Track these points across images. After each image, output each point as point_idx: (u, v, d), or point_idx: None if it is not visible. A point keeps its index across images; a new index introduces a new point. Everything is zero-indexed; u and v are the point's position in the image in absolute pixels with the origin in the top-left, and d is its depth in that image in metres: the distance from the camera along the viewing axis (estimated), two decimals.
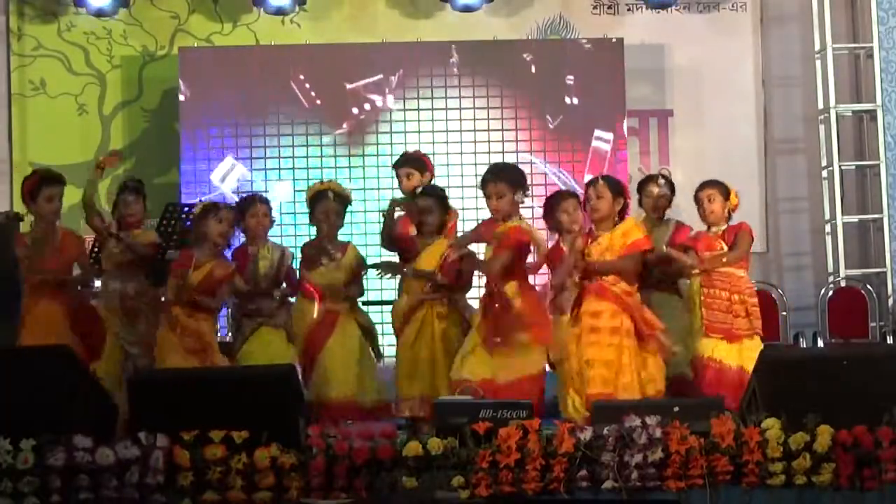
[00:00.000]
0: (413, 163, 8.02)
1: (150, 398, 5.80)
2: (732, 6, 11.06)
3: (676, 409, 5.72)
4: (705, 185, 7.76)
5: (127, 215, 7.77)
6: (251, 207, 7.78)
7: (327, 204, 7.48)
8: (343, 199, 7.57)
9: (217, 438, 5.56)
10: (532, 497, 5.49)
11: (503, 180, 7.12)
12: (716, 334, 7.50)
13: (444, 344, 7.32)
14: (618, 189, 7.06)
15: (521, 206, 7.18)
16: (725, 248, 7.59)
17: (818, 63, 10.68)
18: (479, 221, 7.58)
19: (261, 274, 7.61)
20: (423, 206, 7.48)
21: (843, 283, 10.46)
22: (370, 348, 7.57)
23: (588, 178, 7.69)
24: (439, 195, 7.58)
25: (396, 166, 8.08)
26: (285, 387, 5.84)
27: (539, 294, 7.36)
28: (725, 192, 7.68)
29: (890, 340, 10.03)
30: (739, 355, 7.39)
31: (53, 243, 7.37)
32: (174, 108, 10.56)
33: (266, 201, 7.85)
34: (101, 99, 10.89)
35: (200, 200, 8.93)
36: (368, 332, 7.60)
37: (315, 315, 7.42)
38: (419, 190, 7.59)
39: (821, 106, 10.65)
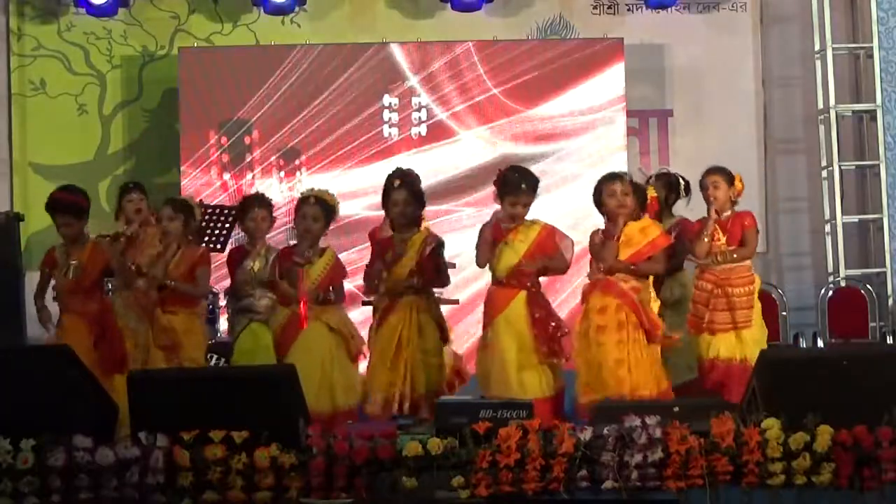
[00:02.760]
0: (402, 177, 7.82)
1: (150, 398, 5.79)
2: (732, 6, 11.07)
3: (676, 409, 5.72)
4: (710, 171, 7.72)
5: (133, 215, 7.66)
6: (249, 211, 7.85)
7: (305, 208, 7.33)
8: (323, 205, 7.36)
9: (217, 438, 5.56)
10: (532, 497, 5.48)
11: (531, 185, 7.24)
12: (691, 329, 7.54)
13: (421, 338, 7.30)
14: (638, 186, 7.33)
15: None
16: (723, 239, 7.58)
17: (818, 63, 10.68)
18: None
19: (254, 273, 7.69)
20: (396, 198, 7.35)
21: (843, 283, 10.47)
22: (345, 351, 7.32)
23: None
24: (414, 188, 7.42)
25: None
26: (285, 387, 5.84)
27: None
28: (729, 179, 7.64)
29: (890, 340, 10.04)
30: (713, 348, 7.42)
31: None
32: (174, 108, 10.58)
33: (265, 204, 7.93)
34: (101, 99, 10.90)
35: (201, 201, 8.96)
36: (340, 334, 7.34)
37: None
38: (396, 183, 7.42)
39: (821, 106, 10.66)
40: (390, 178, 7.44)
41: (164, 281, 7.45)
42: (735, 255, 7.51)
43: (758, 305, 7.59)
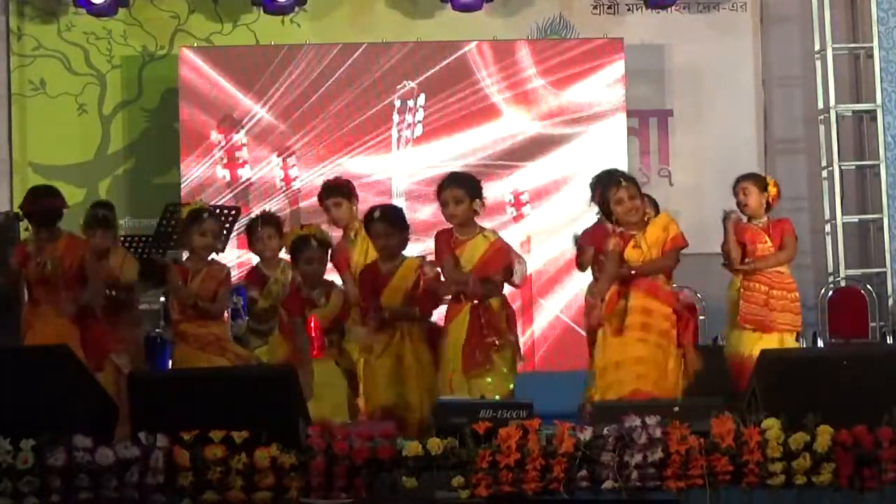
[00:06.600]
0: (340, 191, 7.64)
1: (150, 398, 5.80)
2: (732, 6, 11.07)
3: (676, 409, 5.72)
4: (740, 179, 7.77)
5: (96, 247, 7.48)
6: (254, 232, 7.72)
7: (310, 252, 7.01)
8: (325, 245, 7.13)
9: (217, 438, 5.56)
10: (532, 497, 5.48)
11: (461, 186, 7.00)
12: (749, 325, 7.56)
13: (416, 362, 7.02)
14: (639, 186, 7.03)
15: (476, 215, 7.05)
16: (769, 243, 7.60)
17: (818, 63, 10.68)
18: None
19: (274, 296, 7.53)
20: (377, 231, 7.06)
21: (843, 283, 10.47)
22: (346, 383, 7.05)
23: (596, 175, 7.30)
24: (393, 216, 7.14)
25: (322, 197, 7.66)
26: (285, 387, 5.84)
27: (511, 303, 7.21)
28: (761, 185, 7.71)
29: (890, 340, 10.05)
30: (758, 345, 7.38)
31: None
32: (174, 108, 10.57)
33: (271, 222, 7.74)
34: (101, 99, 10.89)
35: (201, 199, 8.96)
36: (349, 374, 7.07)
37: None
38: (375, 214, 7.12)
39: (821, 106, 10.66)
40: (370, 211, 7.22)
41: (192, 299, 7.18)
42: (773, 260, 7.58)
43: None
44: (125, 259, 7.73)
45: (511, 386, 6.94)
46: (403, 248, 7.12)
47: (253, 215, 8.93)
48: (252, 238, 7.77)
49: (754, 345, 7.42)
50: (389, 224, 7.06)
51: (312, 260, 7.00)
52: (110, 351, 7.23)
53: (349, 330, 7.14)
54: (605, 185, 6.93)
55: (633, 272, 6.74)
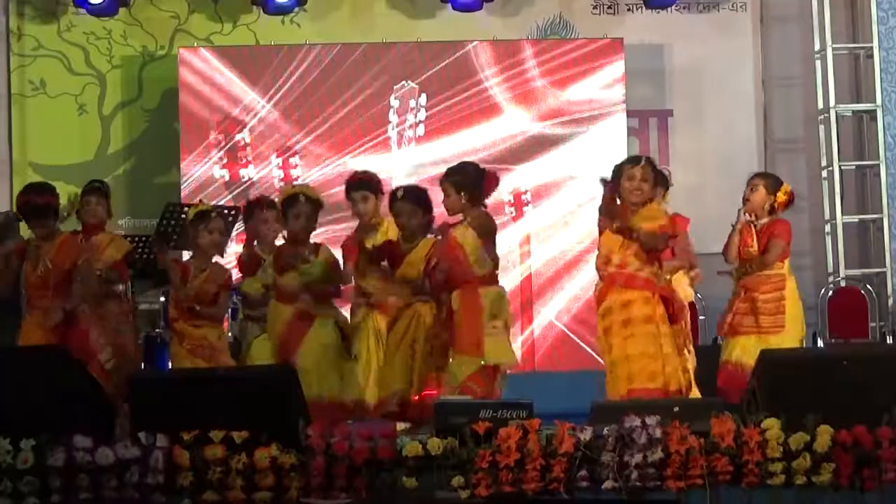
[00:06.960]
0: (368, 185, 7.69)
1: (150, 398, 5.80)
2: (732, 6, 11.07)
3: (676, 409, 5.72)
4: (755, 175, 7.72)
5: (89, 218, 7.62)
6: (255, 213, 7.76)
7: (299, 207, 7.24)
8: (314, 202, 7.33)
9: (217, 438, 5.56)
10: (532, 497, 5.48)
11: (447, 180, 7.12)
12: (721, 332, 7.57)
13: (426, 344, 7.16)
14: (657, 173, 7.03)
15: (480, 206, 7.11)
16: (755, 247, 7.54)
17: (818, 63, 10.69)
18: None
19: (270, 280, 7.50)
20: (400, 210, 7.24)
21: (843, 283, 10.48)
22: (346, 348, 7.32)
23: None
24: (417, 196, 7.31)
25: (349, 189, 7.72)
26: (285, 387, 5.84)
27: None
28: (772, 186, 7.56)
29: (890, 340, 10.05)
30: (736, 351, 7.37)
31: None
32: (174, 108, 10.57)
33: (274, 206, 7.75)
34: (101, 99, 10.89)
35: (200, 200, 8.94)
36: (343, 333, 7.32)
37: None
38: (399, 193, 7.32)
39: (821, 106, 10.66)
40: (394, 191, 7.40)
41: (191, 303, 7.24)
42: (754, 267, 7.46)
43: (794, 312, 7.51)
44: (113, 239, 7.75)
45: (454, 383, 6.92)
46: (426, 231, 7.25)
47: None
48: (251, 218, 7.78)
49: (729, 350, 7.44)
50: (413, 203, 7.22)
51: (300, 215, 7.21)
52: (95, 355, 7.20)
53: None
54: (625, 161, 7.01)
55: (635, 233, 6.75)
